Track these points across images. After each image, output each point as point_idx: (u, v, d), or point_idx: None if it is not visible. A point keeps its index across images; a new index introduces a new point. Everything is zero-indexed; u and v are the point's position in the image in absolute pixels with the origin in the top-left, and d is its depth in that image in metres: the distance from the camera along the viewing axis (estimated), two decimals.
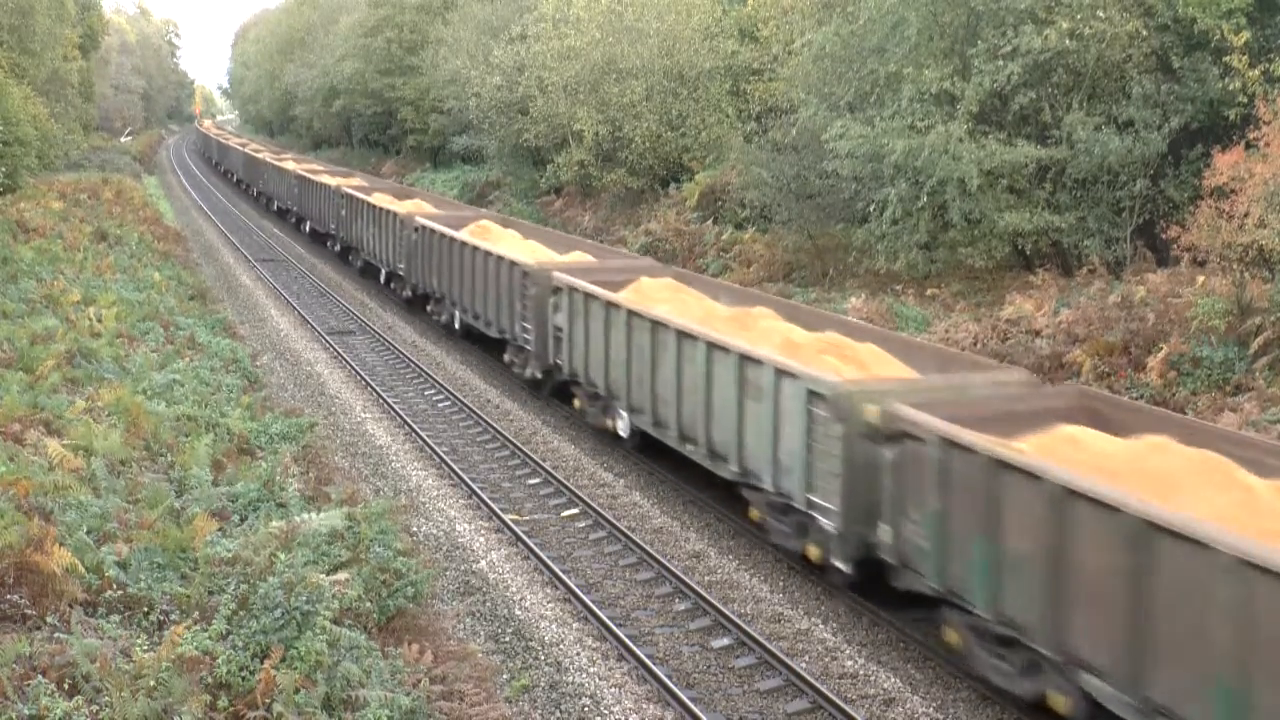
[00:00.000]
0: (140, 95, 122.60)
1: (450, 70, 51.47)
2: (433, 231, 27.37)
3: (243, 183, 69.84)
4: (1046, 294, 22.41)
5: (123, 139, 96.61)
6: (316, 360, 25.97)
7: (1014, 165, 23.41)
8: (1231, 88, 20.93)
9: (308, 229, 46.25)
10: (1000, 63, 23.22)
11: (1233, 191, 18.46)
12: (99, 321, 21.79)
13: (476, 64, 47.31)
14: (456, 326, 26.69)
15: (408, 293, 30.49)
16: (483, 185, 52.51)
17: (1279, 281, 18.26)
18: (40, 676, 8.23)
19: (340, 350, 26.59)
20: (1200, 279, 19.75)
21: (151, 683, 8.25)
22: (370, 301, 33.81)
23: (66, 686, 8.29)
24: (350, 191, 37.75)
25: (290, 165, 54.06)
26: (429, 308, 28.44)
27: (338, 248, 40.04)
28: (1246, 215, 18.00)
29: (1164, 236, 21.59)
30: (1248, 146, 18.78)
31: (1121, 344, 19.33)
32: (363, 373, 24.43)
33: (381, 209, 32.92)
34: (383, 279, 33.60)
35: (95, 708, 8.04)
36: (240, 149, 75.00)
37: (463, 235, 25.98)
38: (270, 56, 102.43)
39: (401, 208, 32.94)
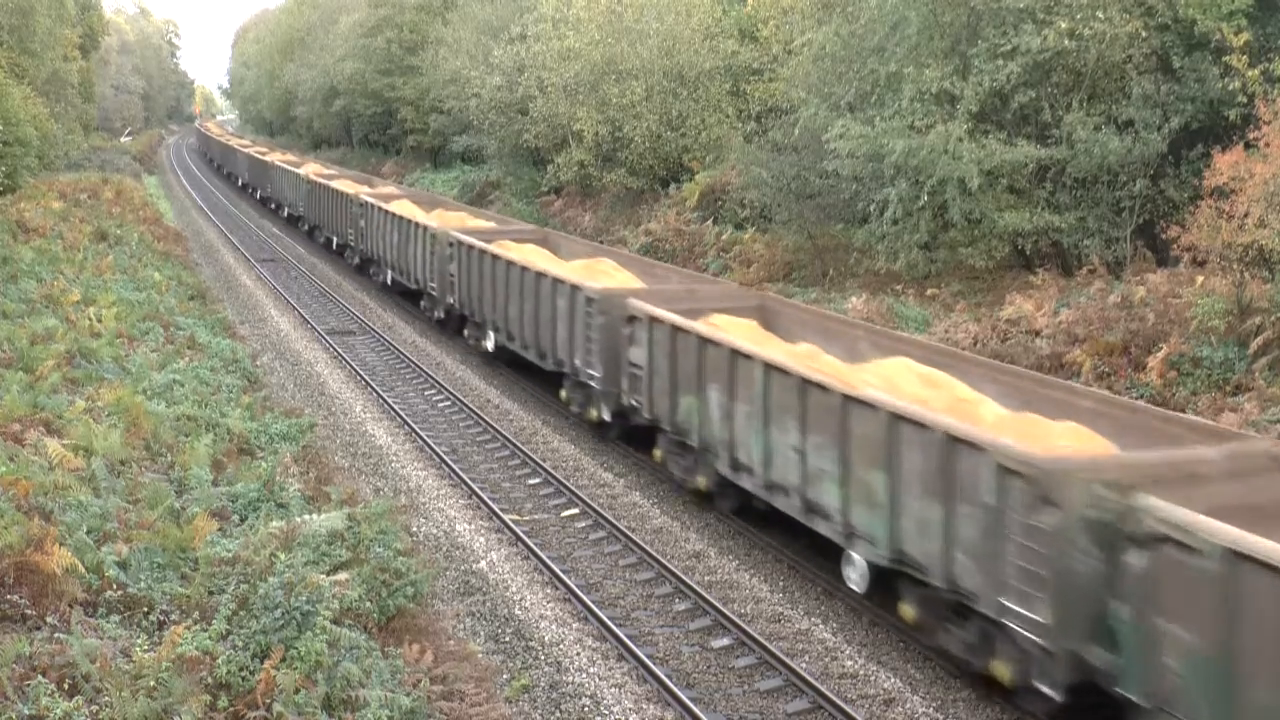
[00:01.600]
0: (140, 95, 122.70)
1: (450, 70, 51.43)
2: None
3: (302, 221, 47.70)
4: (1046, 294, 22.39)
5: (123, 139, 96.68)
6: (316, 360, 25.97)
7: (1014, 165, 23.41)
8: (1231, 88, 20.92)
9: (490, 344, 24.42)
10: (1000, 62, 23.21)
11: (1233, 191, 18.44)
12: (99, 321, 21.78)
13: (476, 64, 47.29)
14: None
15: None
16: (483, 185, 52.49)
17: (1279, 281, 18.25)
18: (40, 676, 8.22)
19: (340, 350, 26.59)
20: (1200, 279, 19.72)
21: (151, 683, 8.26)
22: (370, 301, 33.81)
23: (66, 686, 8.29)
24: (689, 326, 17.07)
25: (419, 215, 30.54)
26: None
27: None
28: (1246, 215, 17.98)
29: (1164, 236, 21.56)
30: (1248, 146, 18.76)
31: (1121, 344, 19.31)
32: (363, 373, 24.43)
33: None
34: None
35: (95, 708, 8.04)
36: (290, 170, 51.39)
37: None
38: (270, 56, 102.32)
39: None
